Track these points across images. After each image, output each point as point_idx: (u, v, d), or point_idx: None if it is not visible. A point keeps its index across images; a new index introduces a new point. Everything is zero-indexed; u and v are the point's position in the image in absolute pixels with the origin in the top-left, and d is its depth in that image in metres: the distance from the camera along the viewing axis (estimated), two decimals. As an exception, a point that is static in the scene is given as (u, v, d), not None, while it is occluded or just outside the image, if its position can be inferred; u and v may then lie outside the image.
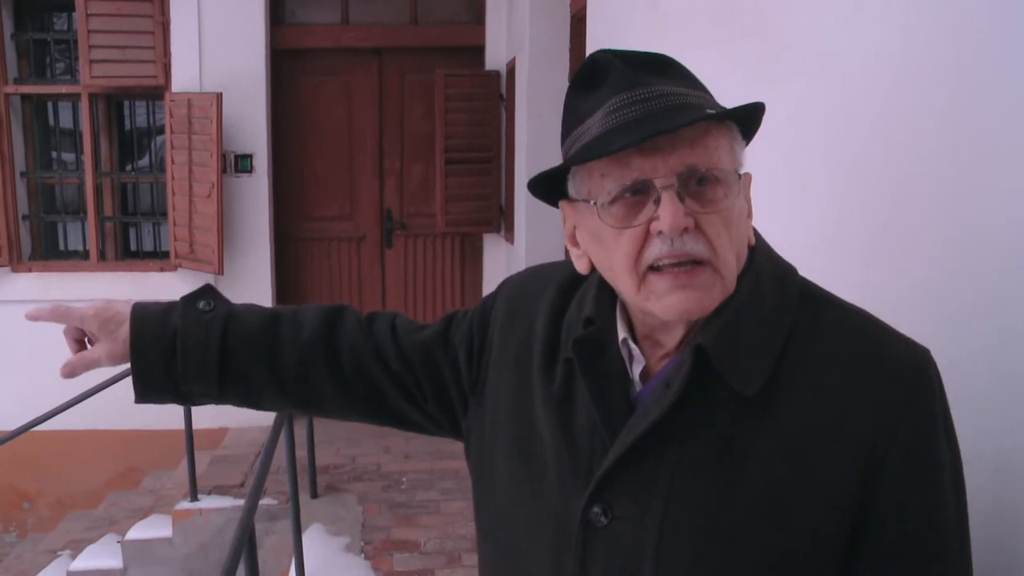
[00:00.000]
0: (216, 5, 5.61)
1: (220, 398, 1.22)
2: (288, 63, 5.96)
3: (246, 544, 2.26)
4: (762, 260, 1.00)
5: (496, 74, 5.89)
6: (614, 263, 0.96)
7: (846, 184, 1.60)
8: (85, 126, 5.76)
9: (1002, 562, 1.15)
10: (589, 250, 1.01)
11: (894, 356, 0.95)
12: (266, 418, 5.37)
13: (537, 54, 4.89)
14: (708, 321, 0.96)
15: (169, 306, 1.20)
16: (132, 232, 6.17)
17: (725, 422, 0.94)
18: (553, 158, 0.99)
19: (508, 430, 1.09)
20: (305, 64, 6.02)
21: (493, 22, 5.95)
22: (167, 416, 5.12)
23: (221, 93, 5.36)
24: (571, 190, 1.00)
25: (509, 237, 5.62)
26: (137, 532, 4.44)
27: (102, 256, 5.86)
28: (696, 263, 0.92)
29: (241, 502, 4.28)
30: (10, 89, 5.73)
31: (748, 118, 0.98)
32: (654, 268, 0.93)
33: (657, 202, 0.91)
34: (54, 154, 6.13)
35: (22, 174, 5.89)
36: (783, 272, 1.02)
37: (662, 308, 0.94)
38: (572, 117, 0.99)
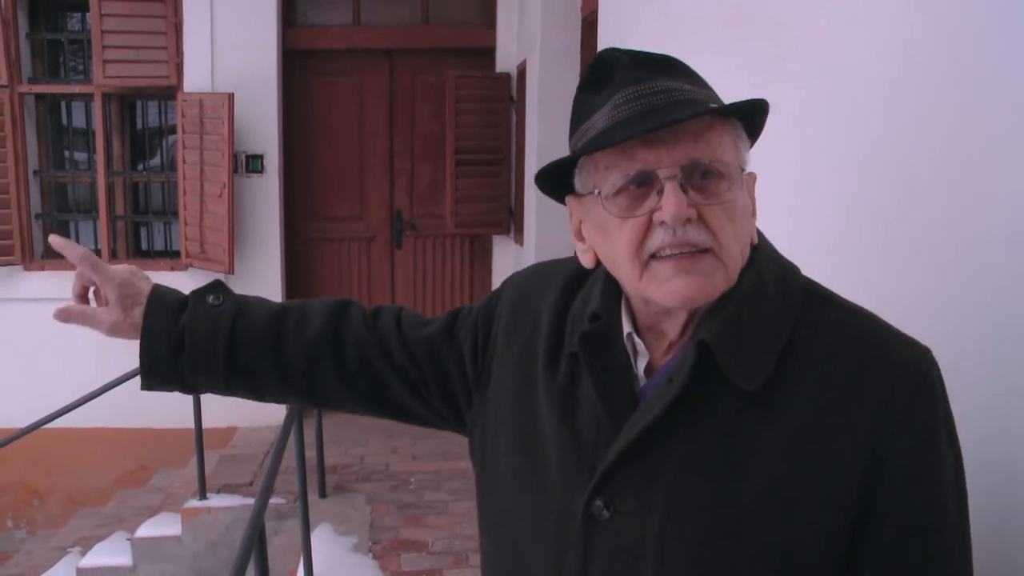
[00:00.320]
0: (229, 6, 5.64)
1: (226, 390, 1.23)
2: (300, 64, 5.98)
3: (256, 542, 2.27)
4: (765, 258, 1.01)
5: (507, 76, 5.90)
6: (617, 253, 0.97)
7: (853, 185, 1.60)
8: (98, 126, 5.79)
9: (1003, 564, 1.15)
10: (594, 243, 1.02)
11: (897, 356, 0.95)
12: (275, 417, 5.43)
13: (548, 57, 4.90)
14: (710, 315, 0.97)
15: (183, 301, 1.22)
16: (143, 231, 6.21)
17: (728, 418, 0.95)
18: (563, 161, 1.00)
19: (511, 425, 1.10)
20: (317, 65, 6.04)
21: (504, 24, 5.96)
22: (176, 415, 5.18)
23: (233, 93, 5.38)
24: (577, 185, 1.02)
25: (518, 239, 5.63)
26: (146, 530, 4.47)
27: (114, 255, 5.89)
28: (699, 251, 0.93)
29: (250, 501, 4.31)
30: (24, 88, 5.77)
31: (752, 116, 0.99)
32: (656, 256, 0.94)
33: (660, 193, 0.92)
34: (67, 153, 6.16)
35: (35, 173, 5.93)
36: (786, 271, 1.03)
37: (664, 294, 0.94)
38: (580, 112, 1.00)
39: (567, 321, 1.09)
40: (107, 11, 5.51)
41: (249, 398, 1.26)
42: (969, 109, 1.27)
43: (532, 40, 5.10)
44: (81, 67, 6.00)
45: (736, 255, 0.96)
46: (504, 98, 5.89)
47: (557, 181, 1.04)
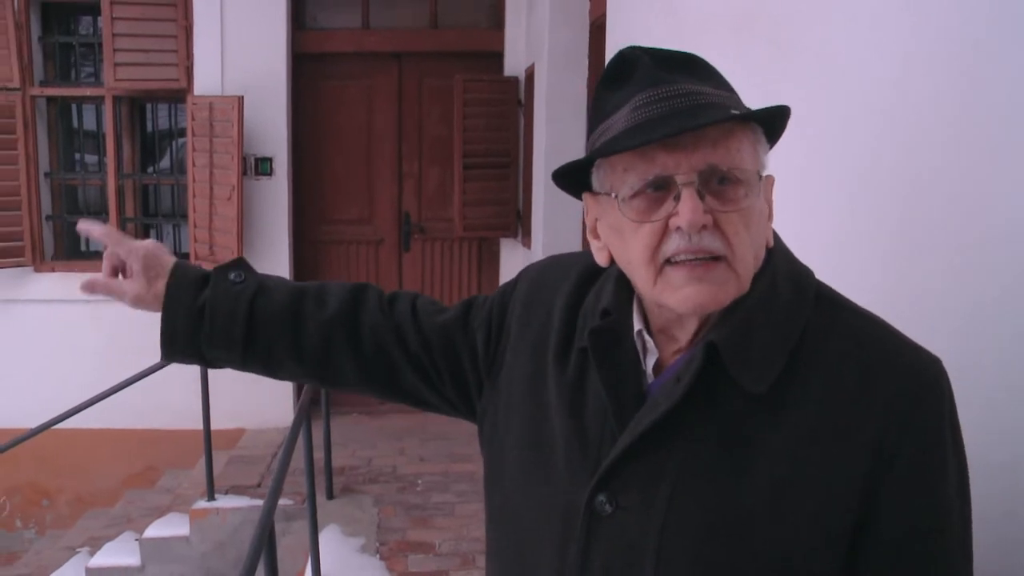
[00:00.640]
0: (239, 10, 5.67)
1: (242, 366, 1.25)
2: (309, 67, 6.01)
3: (266, 542, 2.28)
4: (779, 261, 1.01)
5: (515, 80, 5.92)
6: (632, 256, 0.97)
7: (858, 189, 1.61)
8: (108, 128, 5.83)
9: (1005, 567, 1.15)
10: (609, 243, 1.02)
11: (906, 363, 0.95)
12: (282, 419, 5.45)
13: (556, 60, 4.90)
14: (722, 318, 0.97)
15: (205, 275, 1.24)
16: (153, 233, 6.23)
17: (733, 419, 0.95)
18: (572, 164, 1.01)
19: (521, 416, 1.10)
20: (325, 68, 6.07)
21: (512, 28, 5.97)
22: (185, 417, 5.20)
23: (242, 96, 5.41)
24: (595, 183, 1.02)
25: (526, 242, 5.64)
26: (155, 530, 4.48)
27: (123, 256, 5.92)
28: (713, 258, 0.93)
29: (258, 502, 4.33)
30: (36, 91, 5.81)
31: (773, 120, 0.99)
32: (671, 262, 0.94)
33: (677, 198, 0.92)
34: (77, 156, 6.20)
35: (46, 175, 5.96)
36: (799, 274, 1.03)
37: (677, 300, 0.95)
38: (599, 111, 1.00)
39: (579, 315, 1.09)
40: (118, 15, 5.55)
41: (263, 374, 1.28)
42: (971, 110, 1.27)
43: (540, 44, 5.11)
44: (92, 70, 6.04)
45: (749, 262, 0.96)
46: (512, 101, 5.90)
47: (574, 178, 1.04)
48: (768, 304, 0.97)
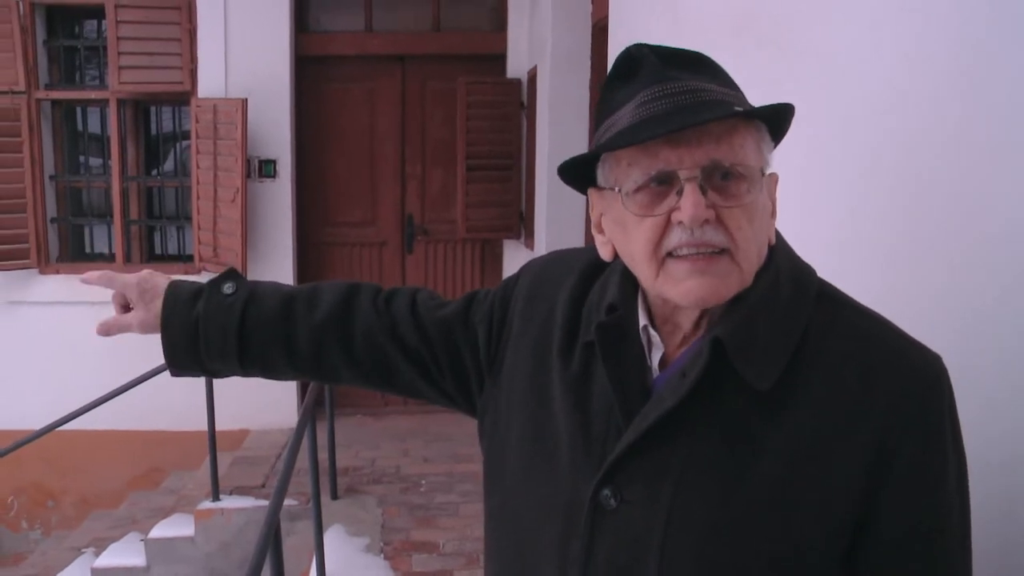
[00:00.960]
0: (242, 13, 5.68)
1: (243, 373, 1.29)
2: (312, 70, 6.02)
3: (272, 542, 2.29)
4: (781, 259, 1.02)
5: (517, 82, 5.93)
6: (635, 250, 0.98)
7: (860, 190, 1.61)
8: (113, 131, 5.84)
9: (1005, 567, 1.16)
10: (613, 237, 1.03)
11: (907, 360, 0.96)
12: (287, 420, 5.46)
13: (559, 62, 4.91)
14: (725, 313, 0.98)
15: (198, 290, 1.27)
16: (157, 235, 6.25)
17: (738, 415, 0.96)
18: (574, 165, 1.02)
19: (523, 412, 1.10)
20: (329, 71, 6.08)
21: (515, 30, 5.98)
22: (189, 418, 5.21)
23: (246, 99, 5.42)
24: (600, 178, 1.02)
25: (529, 243, 5.65)
26: (160, 531, 4.49)
27: (128, 258, 5.94)
28: (716, 252, 0.94)
29: (262, 503, 4.34)
30: (41, 94, 5.82)
31: (777, 118, 1.00)
32: (673, 255, 0.95)
33: (680, 193, 0.93)
34: (82, 158, 6.21)
35: (51, 178, 5.98)
36: (802, 272, 1.03)
37: (679, 293, 0.95)
38: (605, 107, 1.01)
39: (583, 310, 1.10)
40: (123, 18, 5.57)
41: (265, 378, 1.32)
42: (973, 111, 1.28)
43: (543, 46, 5.12)
44: (96, 73, 6.06)
45: (752, 257, 0.96)
46: (515, 103, 5.91)
47: (579, 173, 1.05)
48: (771, 301, 0.98)
